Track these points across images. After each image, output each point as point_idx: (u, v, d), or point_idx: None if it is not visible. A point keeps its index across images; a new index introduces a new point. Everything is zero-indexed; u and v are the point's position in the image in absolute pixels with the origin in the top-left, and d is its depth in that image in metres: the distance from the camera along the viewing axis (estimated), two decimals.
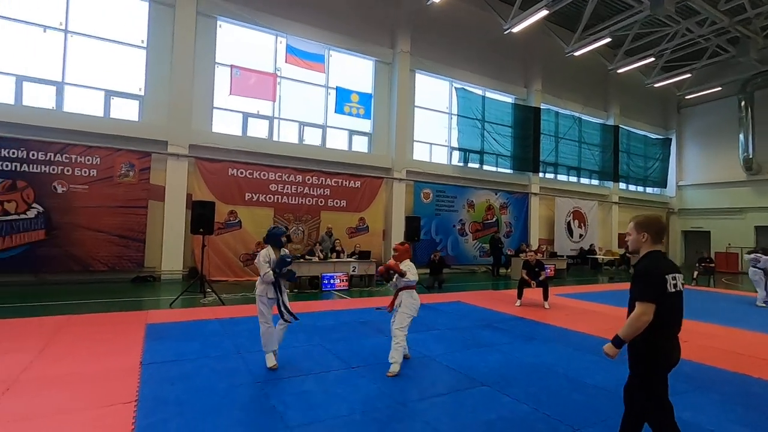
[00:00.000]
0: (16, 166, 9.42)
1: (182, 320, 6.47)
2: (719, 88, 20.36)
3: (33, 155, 9.57)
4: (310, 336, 5.72)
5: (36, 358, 4.46)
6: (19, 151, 9.45)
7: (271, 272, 4.29)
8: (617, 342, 2.52)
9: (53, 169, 9.75)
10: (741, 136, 20.32)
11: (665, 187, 23.69)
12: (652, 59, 18.14)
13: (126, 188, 10.49)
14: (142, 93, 11.12)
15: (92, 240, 10.08)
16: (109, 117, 10.73)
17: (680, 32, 16.83)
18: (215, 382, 3.97)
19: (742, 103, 20.22)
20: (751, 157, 20.11)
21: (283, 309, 4.40)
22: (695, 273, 13.93)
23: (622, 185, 21.63)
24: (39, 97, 10.08)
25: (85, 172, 10.07)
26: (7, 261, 9.30)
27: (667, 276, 2.46)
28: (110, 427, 3.07)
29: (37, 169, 9.60)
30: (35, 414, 3.21)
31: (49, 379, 3.91)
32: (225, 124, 12.22)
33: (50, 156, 9.73)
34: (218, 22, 12.05)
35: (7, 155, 9.35)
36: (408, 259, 4.78)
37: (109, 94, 10.81)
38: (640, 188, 22.86)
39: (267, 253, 4.36)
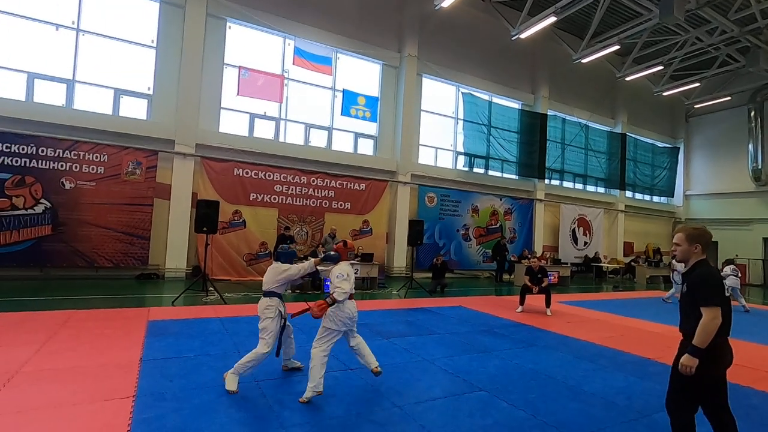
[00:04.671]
0: (25, 162, 9.56)
1: (184, 318, 6.51)
2: (729, 98, 20.16)
3: (42, 151, 9.70)
4: (310, 336, 5.72)
5: (38, 351, 4.51)
6: (29, 147, 9.58)
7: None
8: (694, 351, 2.48)
9: (62, 166, 9.88)
10: (750, 146, 20.11)
11: (672, 197, 23.48)
12: (661, 68, 18.09)
13: (132, 186, 10.60)
14: (150, 92, 11.25)
15: (98, 236, 10.19)
16: (118, 115, 10.87)
17: (690, 41, 16.76)
18: (214, 380, 3.99)
19: (752, 113, 20.00)
20: (760, 167, 19.89)
21: None
22: None
23: (629, 193, 21.47)
24: (50, 95, 10.23)
25: (92, 169, 10.19)
26: (14, 255, 9.43)
27: (723, 282, 2.67)
28: (107, 421, 3.09)
29: (45, 165, 9.73)
30: (33, 407, 3.24)
31: (50, 372, 3.96)
32: (232, 125, 12.33)
33: (59, 152, 9.85)
34: (227, 24, 12.18)
35: (17, 151, 9.48)
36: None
37: (119, 92, 10.95)
38: (647, 197, 22.69)
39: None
